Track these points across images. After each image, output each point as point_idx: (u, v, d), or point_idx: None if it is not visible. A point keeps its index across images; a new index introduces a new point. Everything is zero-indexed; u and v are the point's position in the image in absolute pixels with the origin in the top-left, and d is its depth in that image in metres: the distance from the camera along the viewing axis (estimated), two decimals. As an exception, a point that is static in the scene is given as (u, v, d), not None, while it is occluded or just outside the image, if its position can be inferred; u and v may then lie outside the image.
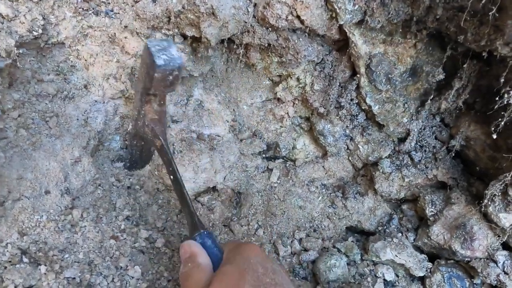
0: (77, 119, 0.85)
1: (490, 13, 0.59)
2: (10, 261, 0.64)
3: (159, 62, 0.60)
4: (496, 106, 0.65)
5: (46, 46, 0.82)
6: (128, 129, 0.86)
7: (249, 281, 0.47)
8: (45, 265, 0.66)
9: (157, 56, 0.60)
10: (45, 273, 0.65)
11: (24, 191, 0.71)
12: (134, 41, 0.88)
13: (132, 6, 0.84)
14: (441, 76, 0.86)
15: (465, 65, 0.79)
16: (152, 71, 0.61)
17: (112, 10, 0.86)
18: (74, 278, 0.67)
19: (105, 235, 0.77)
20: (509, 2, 0.59)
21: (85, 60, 0.88)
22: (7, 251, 0.65)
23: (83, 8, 0.84)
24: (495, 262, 0.82)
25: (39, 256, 0.67)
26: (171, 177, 0.70)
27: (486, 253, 0.83)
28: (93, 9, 0.85)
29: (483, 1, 0.59)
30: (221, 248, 0.60)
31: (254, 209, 1.07)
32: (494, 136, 0.67)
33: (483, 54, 0.72)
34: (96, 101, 0.90)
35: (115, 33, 0.87)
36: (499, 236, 0.81)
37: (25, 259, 0.65)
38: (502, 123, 0.65)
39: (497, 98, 0.69)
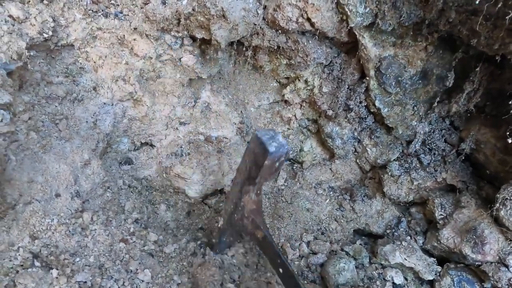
0: (86, 122, 0.85)
1: (507, 17, 0.59)
2: (22, 265, 0.64)
3: (271, 149, 0.63)
4: (510, 112, 0.64)
5: (56, 48, 0.81)
6: (219, 225, 0.85)
7: None
8: (57, 269, 0.66)
9: (269, 143, 0.64)
10: (56, 277, 0.65)
11: (35, 194, 0.71)
12: (143, 43, 0.88)
13: (142, 8, 0.84)
14: (452, 80, 0.86)
15: (477, 69, 0.79)
16: (262, 159, 0.65)
17: (121, 12, 0.85)
18: (85, 282, 0.67)
19: (115, 238, 0.77)
20: (525, 6, 0.59)
21: (94, 62, 0.88)
22: (19, 255, 0.64)
23: (92, 10, 0.83)
24: (507, 266, 0.81)
25: (51, 260, 0.67)
26: (280, 270, 0.68)
27: (497, 257, 0.82)
28: (102, 11, 0.84)
29: (499, 5, 0.59)
30: None
31: (264, 210, 1.06)
32: (510, 141, 0.67)
33: (496, 58, 0.71)
34: (105, 103, 0.89)
35: (124, 35, 0.87)
36: (510, 240, 0.81)
37: (37, 263, 0.65)
38: (517, 128, 0.64)
39: (510, 102, 0.68)
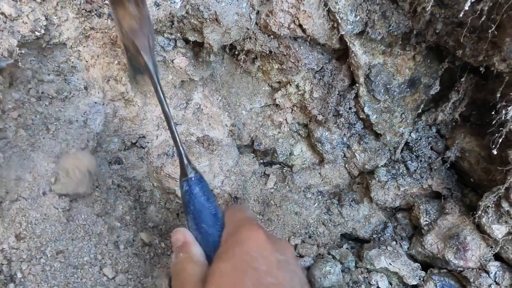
0: (77, 120, 0.85)
1: (489, 31, 0.61)
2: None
3: None
4: (494, 122, 0.66)
5: (48, 46, 0.82)
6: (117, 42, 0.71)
7: (248, 285, 0.41)
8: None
9: None
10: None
11: (22, 192, 0.71)
12: (136, 44, 0.89)
13: (136, 9, 0.85)
14: (437, 89, 0.88)
15: (462, 79, 0.81)
16: None
17: (115, 13, 0.86)
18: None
19: (103, 239, 0.77)
20: (507, 20, 0.61)
21: (86, 62, 0.88)
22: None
23: (86, 10, 0.84)
24: (487, 272, 0.83)
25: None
26: (160, 106, 0.58)
27: (479, 263, 0.84)
28: (96, 10, 0.85)
29: (482, 19, 0.61)
30: (214, 199, 0.52)
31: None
32: (495, 152, 0.69)
33: (480, 69, 0.73)
34: (96, 102, 0.90)
35: (117, 35, 0.87)
36: (491, 247, 0.83)
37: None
38: (500, 139, 0.66)
39: (492, 112, 0.71)
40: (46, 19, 0.77)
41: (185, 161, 0.53)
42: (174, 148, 0.58)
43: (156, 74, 0.56)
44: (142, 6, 0.57)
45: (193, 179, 0.52)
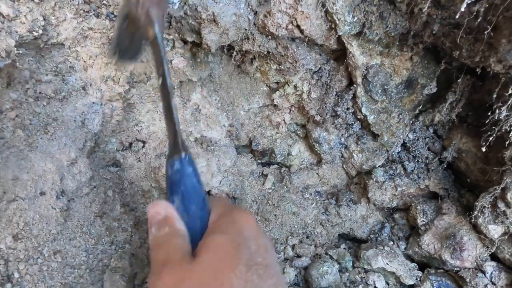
0: (74, 121, 0.85)
1: (486, 32, 0.61)
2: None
3: None
4: (487, 121, 0.67)
5: (46, 46, 0.82)
6: (119, 7, 0.70)
7: (242, 259, 0.40)
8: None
9: None
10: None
11: (20, 192, 0.71)
12: (134, 44, 0.89)
13: (134, 9, 0.85)
14: (434, 89, 0.88)
15: (459, 80, 0.81)
16: None
17: (113, 13, 0.86)
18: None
19: (100, 239, 0.77)
20: (503, 22, 0.61)
21: (84, 62, 0.88)
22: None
23: (84, 10, 0.84)
24: (484, 272, 0.84)
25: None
26: (160, 80, 0.55)
27: (475, 263, 0.84)
28: (94, 11, 0.85)
29: (478, 20, 0.61)
30: (202, 183, 0.49)
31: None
32: (484, 149, 0.69)
33: (477, 70, 0.74)
34: (94, 103, 0.90)
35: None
36: (488, 247, 0.83)
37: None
38: (491, 138, 0.67)
39: (489, 113, 0.71)
40: (44, 19, 0.77)
41: (179, 139, 0.49)
42: (166, 126, 0.53)
43: (164, 48, 0.55)
44: None
45: (186, 158, 0.48)
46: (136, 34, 0.62)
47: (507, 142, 0.69)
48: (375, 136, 1.02)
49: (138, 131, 1.01)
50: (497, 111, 0.66)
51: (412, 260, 0.97)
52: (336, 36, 0.87)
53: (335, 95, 0.99)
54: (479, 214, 0.81)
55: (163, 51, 0.54)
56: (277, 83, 1.07)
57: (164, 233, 0.44)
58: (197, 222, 0.47)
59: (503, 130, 0.67)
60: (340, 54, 0.97)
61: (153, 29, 0.55)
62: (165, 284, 0.38)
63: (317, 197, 1.13)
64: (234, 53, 0.97)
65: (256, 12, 0.87)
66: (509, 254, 0.81)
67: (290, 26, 0.86)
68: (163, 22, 0.57)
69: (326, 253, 1.01)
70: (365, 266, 0.96)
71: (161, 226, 0.44)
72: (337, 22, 0.83)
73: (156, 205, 0.46)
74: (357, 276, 0.96)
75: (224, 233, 0.43)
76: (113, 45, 0.69)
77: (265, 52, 0.94)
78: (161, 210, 0.46)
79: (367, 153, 1.04)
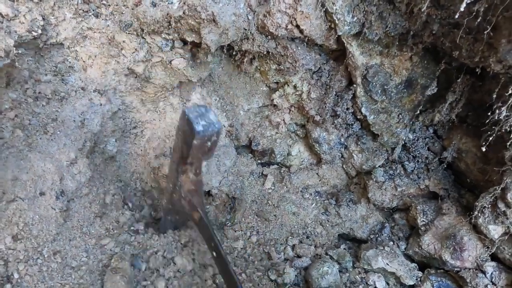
0: (74, 121, 0.85)
1: (485, 32, 0.61)
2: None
3: (198, 128, 0.58)
4: (487, 121, 0.67)
5: (45, 46, 0.81)
6: (163, 204, 0.84)
7: None
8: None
9: (196, 122, 0.58)
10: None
11: (19, 192, 0.71)
12: (133, 44, 0.88)
13: (133, 9, 0.84)
14: (435, 90, 0.88)
15: (459, 80, 0.81)
16: (191, 139, 0.59)
17: (112, 13, 0.86)
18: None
19: (99, 240, 0.77)
20: (503, 21, 0.61)
21: (84, 62, 0.88)
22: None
23: (83, 10, 0.83)
24: (484, 272, 0.83)
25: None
26: (214, 253, 0.65)
27: (475, 263, 0.84)
28: (93, 10, 0.85)
29: (478, 20, 0.61)
30: None
31: (248, 215, 1.07)
32: (484, 149, 0.69)
33: (477, 70, 0.74)
34: (93, 103, 0.89)
35: (114, 36, 0.87)
36: (488, 247, 0.83)
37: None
38: (491, 138, 0.67)
39: (489, 113, 0.71)
40: (43, 19, 0.77)
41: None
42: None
43: (211, 226, 0.66)
44: (200, 173, 0.70)
45: None
46: (179, 220, 0.83)
47: (507, 143, 0.69)
48: (375, 136, 1.02)
49: (138, 131, 1.01)
50: (497, 111, 0.65)
51: (412, 260, 0.97)
52: (336, 36, 0.87)
53: (335, 95, 0.99)
54: (479, 214, 0.81)
55: (211, 229, 0.65)
56: (276, 83, 1.06)
57: None
58: None
59: (503, 130, 0.67)
60: (339, 54, 0.97)
61: (198, 214, 0.68)
62: None
63: (317, 197, 1.13)
64: (234, 53, 0.97)
65: (256, 12, 0.86)
66: (510, 254, 0.81)
67: (289, 26, 0.86)
68: (204, 207, 0.71)
69: (326, 254, 1.01)
70: (365, 266, 0.96)
71: None
72: (337, 22, 0.82)
73: None
74: (357, 276, 0.96)
75: None
76: (163, 227, 0.87)
77: (265, 52, 0.93)
78: None
79: (367, 153, 1.04)
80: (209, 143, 0.61)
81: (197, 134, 0.58)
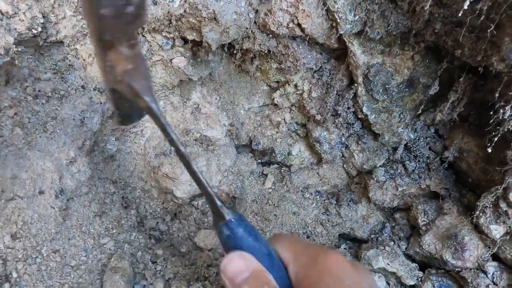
0: (74, 119, 0.85)
1: (488, 30, 0.60)
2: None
3: None
4: (491, 121, 0.66)
5: (45, 44, 0.81)
6: (102, 82, 0.66)
7: None
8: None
9: None
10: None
11: (18, 191, 0.70)
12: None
13: (133, 7, 0.84)
14: (437, 89, 0.88)
15: (461, 79, 0.81)
16: (96, 10, 0.41)
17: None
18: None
19: (99, 239, 0.77)
20: (506, 20, 0.61)
21: (84, 60, 0.87)
22: None
23: (83, 8, 0.83)
24: (485, 273, 0.83)
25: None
26: (172, 149, 0.52)
27: (477, 263, 0.84)
28: (93, 9, 0.84)
29: (481, 18, 0.61)
30: (262, 237, 0.44)
31: (248, 214, 1.07)
32: (489, 150, 0.69)
33: (479, 69, 0.73)
34: (93, 101, 0.89)
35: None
36: (489, 247, 0.83)
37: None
38: (496, 138, 0.66)
39: (491, 112, 0.70)
40: (43, 16, 0.76)
41: (218, 203, 0.45)
42: (200, 191, 0.49)
43: (163, 114, 0.50)
44: (135, 45, 0.50)
45: (233, 220, 0.43)
46: (132, 102, 0.53)
47: (511, 143, 0.69)
48: (376, 136, 1.02)
49: (138, 130, 1.01)
50: (500, 110, 0.65)
51: (413, 260, 0.97)
52: (337, 34, 0.86)
53: (336, 94, 0.99)
54: (480, 214, 0.81)
55: (163, 120, 0.49)
56: (277, 82, 1.06)
57: None
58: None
59: (506, 130, 0.67)
60: (341, 53, 0.97)
61: (143, 101, 0.50)
62: None
63: (318, 196, 1.12)
64: (235, 51, 0.96)
65: (257, 10, 0.86)
66: (511, 254, 0.81)
67: (291, 25, 0.85)
68: (150, 87, 0.51)
69: (327, 253, 1.01)
70: (366, 266, 0.95)
71: (256, 286, 0.35)
72: (338, 20, 0.82)
73: (233, 259, 0.37)
74: (357, 276, 0.95)
75: None
76: (116, 115, 0.64)
77: (266, 51, 0.93)
78: (242, 264, 0.36)
79: (367, 152, 1.04)
80: (129, 8, 0.43)
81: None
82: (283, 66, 0.97)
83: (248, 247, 0.40)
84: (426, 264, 0.95)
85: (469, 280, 0.84)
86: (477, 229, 0.84)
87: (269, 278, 0.36)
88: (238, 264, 0.36)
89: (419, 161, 0.99)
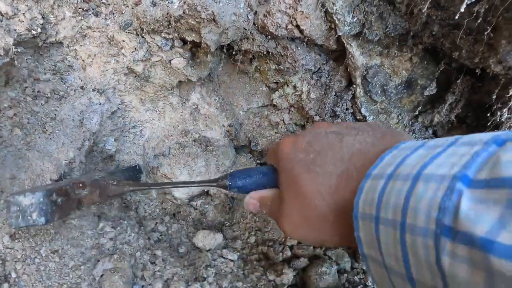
0: (73, 120, 0.85)
1: (486, 33, 0.61)
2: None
3: None
4: (489, 123, 0.67)
5: (44, 45, 0.81)
6: None
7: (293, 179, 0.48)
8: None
9: None
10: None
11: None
12: (133, 43, 0.88)
13: (133, 8, 0.84)
14: (434, 90, 0.88)
15: (458, 81, 0.81)
16: None
17: (112, 12, 0.85)
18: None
19: (98, 240, 0.77)
20: (503, 22, 0.61)
21: (83, 61, 0.88)
22: None
23: (82, 9, 0.83)
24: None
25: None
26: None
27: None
28: (93, 9, 0.84)
29: (478, 21, 0.61)
30: (252, 170, 0.59)
31: (247, 215, 1.07)
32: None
33: (476, 71, 0.74)
34: (92, 102, 0.89)
35: (113, 35, 0.87)
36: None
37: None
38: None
39: (488, 114, 0.71)
40: (43, 17, 0.76)
41: (214, 184, 0.63)
42: (199, 190, 0.73)
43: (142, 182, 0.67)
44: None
45: (230, 183, 0.59)
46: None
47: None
48: (374, 137, 1.02)
49: (137, 130, 1.01)
50: (498, 112, 0.66)
51: (411, 261, 0.97)
52: (336, 36, 0.87)
53: (335, 95, 0.99)
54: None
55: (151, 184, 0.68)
56: (276, 83, 1.06)
57: (267, 208, 0.57)
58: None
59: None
60: (339, 55, 0.97)
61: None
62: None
63: (316, 197, 1.12)
64: (234, 52, 0.97)
65: (256, 12, 0.86)
66: None
67: (289, 26, 0.86)
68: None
69: (325, 254, 1.01)
70: (364, 267, 0.96)
71: (262, 208, 0.57)
72: (337, 22, 0.82)
73: (247, 199, 0.59)
74: (356, 277, 0.96)
75: (280, 175, 0.52)
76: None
77: (265, 52, 0.93)
78: (252, 199, 0.58)
79: (366, 153, 1.04)
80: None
81: None
82: (282, 67, 0.97)
83: (249, 184, 0.58)
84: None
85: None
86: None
87: (269, 196, 0.56)
88: (250, 201, 0.58)
89: (417, 162, 0.99)
